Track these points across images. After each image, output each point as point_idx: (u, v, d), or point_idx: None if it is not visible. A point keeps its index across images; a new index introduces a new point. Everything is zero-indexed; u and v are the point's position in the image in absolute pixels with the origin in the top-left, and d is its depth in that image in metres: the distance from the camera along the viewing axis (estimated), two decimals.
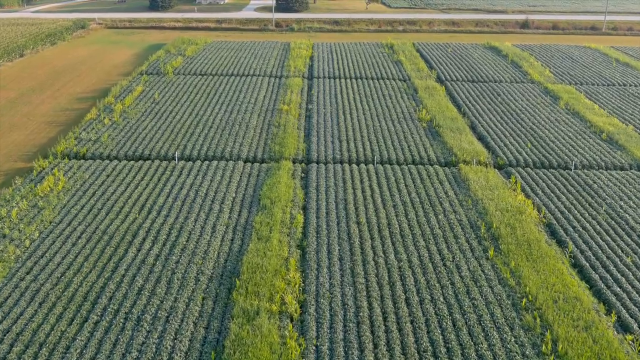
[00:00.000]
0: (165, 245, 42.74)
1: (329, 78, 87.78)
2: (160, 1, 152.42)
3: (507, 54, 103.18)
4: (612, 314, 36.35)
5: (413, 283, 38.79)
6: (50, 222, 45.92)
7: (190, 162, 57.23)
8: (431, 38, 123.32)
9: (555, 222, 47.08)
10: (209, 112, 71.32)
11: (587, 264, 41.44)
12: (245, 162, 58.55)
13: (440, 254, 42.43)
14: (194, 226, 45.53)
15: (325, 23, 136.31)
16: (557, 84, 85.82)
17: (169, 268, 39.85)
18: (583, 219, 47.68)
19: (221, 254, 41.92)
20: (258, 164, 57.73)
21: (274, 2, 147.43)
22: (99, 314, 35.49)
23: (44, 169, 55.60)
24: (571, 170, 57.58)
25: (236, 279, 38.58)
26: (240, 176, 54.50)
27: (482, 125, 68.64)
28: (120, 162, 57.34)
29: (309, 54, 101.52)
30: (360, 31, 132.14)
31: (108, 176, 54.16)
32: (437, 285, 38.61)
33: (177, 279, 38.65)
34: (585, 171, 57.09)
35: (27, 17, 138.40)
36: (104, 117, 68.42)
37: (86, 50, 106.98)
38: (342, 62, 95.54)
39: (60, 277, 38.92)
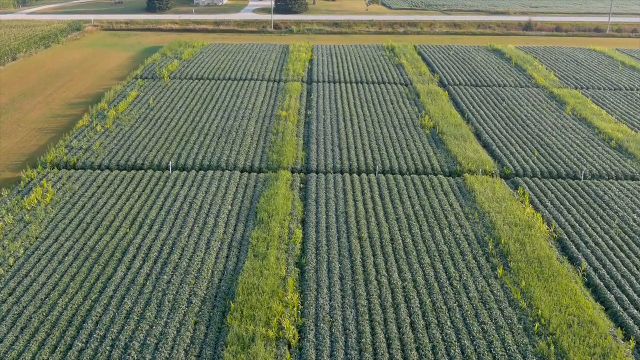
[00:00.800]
0: (157, 263, 40.54)
1: (329, 82, 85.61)
2: (158, 2, 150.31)
3: (511, 56, 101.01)
4: (630, 340, 34.18)
5: (418, 305, 36.61)
6: (37, 238, 43.73)
7: (185, 172, 55.03)
8: (433, 40, 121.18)
9: (566, 237, 44.89)
10: (205, 119, 69.14)
11: (602, 283, 39.26)
12: (242, 171, 56.38)
13: (446, 273, 40.25)
14: (187, 242, 43.33)
15: (324, 25, 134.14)
16: (562, 88, 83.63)
17: (160, 289, 37.65)
18: (595, 234, 45.49)
19: (215, 272, 39.71)
20: (255, 173, 55.54)
21: (273, 3, 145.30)
22: (84, 340, 33.27)
23: (32, 179, 53.40)
24: (580, 180, 55.43)
25: (230, 301, 36.39)
26: (237, 187, 52.30)
27: (487, 132, 66.48)
28: (111, 172, 55.16)
29: (308, 57, 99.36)
30: (361, 33, 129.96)
31: (99, 187, 51.97)
32: (443, 307, 36.42)
33: (168, 301, 36.45)
34: (595, 181, 54.93)
35: (21, 18, 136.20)
36: (96, 124, 66.23)
37: (80, 54, 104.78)
38: (342, 66, 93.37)
39: (44, 299, 36.74)
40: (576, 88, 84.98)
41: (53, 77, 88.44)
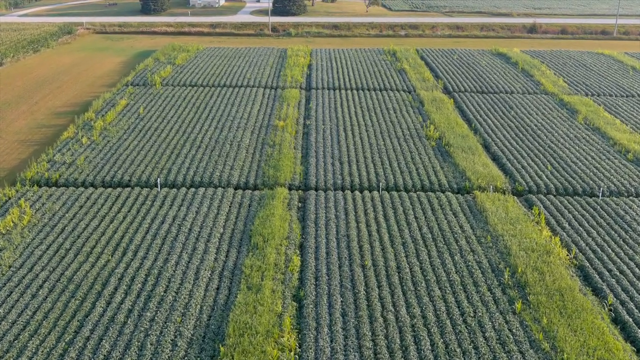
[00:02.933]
0: (140, 297, 36.77)
1: (328, 89, 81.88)
2: (153, 4, 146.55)
3: (517, 61, 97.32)
4: None
5: (429, 348, 32.86)
6: (10, 267, 39.93)
7: (174, 190, 51.23)
8: (435, 43, 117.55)
9: (587, 264, 41.16)
10: (198, 129, 65.35)
11: (631, 320, 35.58)
12: (235, 189, 52.64)
13: (459, 308, 36.51)
14: (174, 271, 39.56)
15: (324, 27, 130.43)
16: (572, 95, 79.92)
17: (142, 328, 33.88)
18: (619, 260, 41.79)
19: (204, 308, 35.96)
20: (250, 191, 51.78)
21: (271, 5, 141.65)
22: None
23: (9, 198, 49.61)
24: (598, 197, 51.76)
25: (220, 345, 32.61)
26: (230, 207, 48.55)
27: (496, 144, 62.78)
28: (96, 189, 51.38)
29: (307, 62, 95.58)
30: (361, 36, 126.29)
31: (81, 207, 48.17)
32: (457, 350, 32.67)
33: (151, 344, 32.68)
34: (614, 199, 51.24)
35: (11, 21, 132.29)
36: (82, 136, 62.42)
37: (71, 58, 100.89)
38: (342, 71, 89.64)
39: (13, 341, 32.94)
40: (587, 95, 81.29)
41: (40, 84, 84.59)
